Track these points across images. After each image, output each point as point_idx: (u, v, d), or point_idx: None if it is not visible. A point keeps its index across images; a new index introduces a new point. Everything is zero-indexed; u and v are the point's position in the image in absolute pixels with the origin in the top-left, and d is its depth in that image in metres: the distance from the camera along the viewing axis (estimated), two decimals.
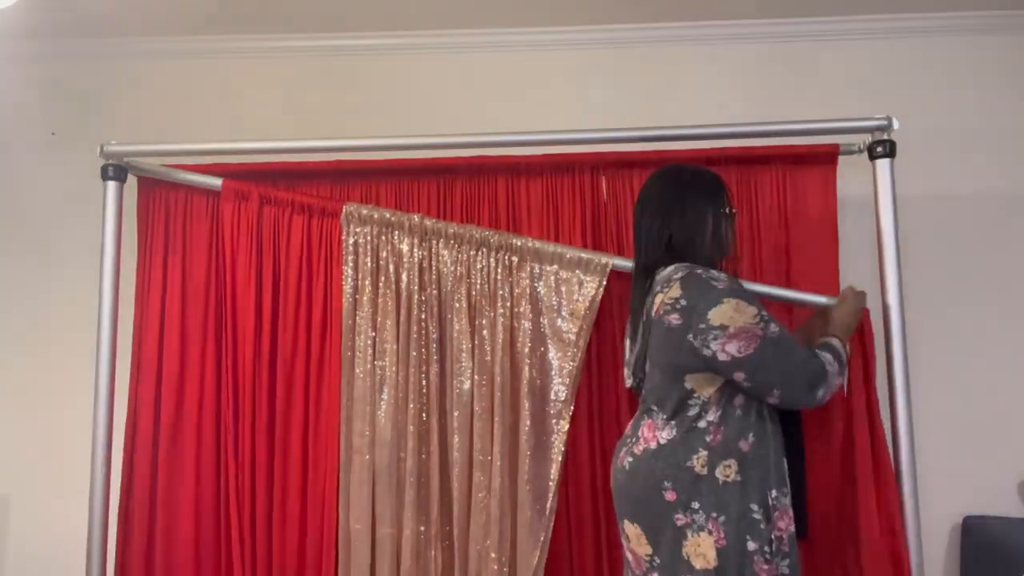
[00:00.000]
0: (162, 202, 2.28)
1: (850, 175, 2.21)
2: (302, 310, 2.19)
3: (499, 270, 2.12)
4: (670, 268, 1.81)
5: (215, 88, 2.78)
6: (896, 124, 2.06)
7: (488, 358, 2.10)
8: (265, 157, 2.24)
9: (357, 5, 2.57)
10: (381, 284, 2.15)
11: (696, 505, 1.69)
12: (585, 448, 2.14)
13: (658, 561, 1.73)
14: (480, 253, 2.13)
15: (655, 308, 1.78)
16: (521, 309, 2.12)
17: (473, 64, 2.74)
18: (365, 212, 2.16)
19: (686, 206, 1.84)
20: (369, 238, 2.16)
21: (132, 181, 2.26)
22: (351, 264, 2.17)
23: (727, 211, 1.87)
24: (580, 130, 2.22)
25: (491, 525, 2.04)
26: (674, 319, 1.74)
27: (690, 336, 1.72)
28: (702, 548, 1.67)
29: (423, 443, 2.12)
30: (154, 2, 2.53)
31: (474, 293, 2.13)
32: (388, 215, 2.16)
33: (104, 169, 2.20)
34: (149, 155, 2.25)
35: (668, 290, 1.76)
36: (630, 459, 1.80)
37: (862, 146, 2.12)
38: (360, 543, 2.08)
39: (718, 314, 1.69)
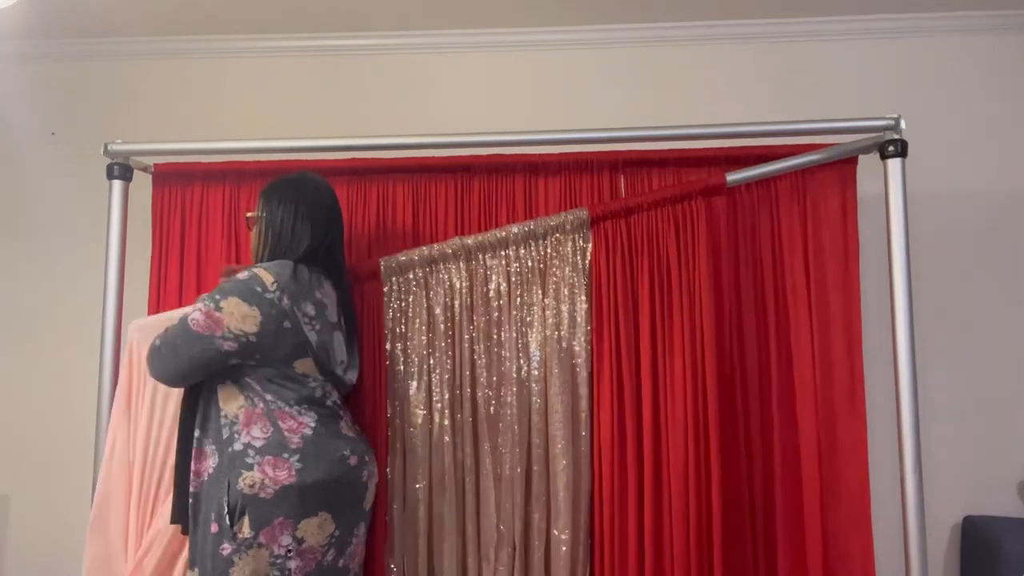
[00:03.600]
0: (178, 200, 2.28)
1: (860, 173, 2.20)
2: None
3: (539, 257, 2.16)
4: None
5: (215, 88, 2.78)
6: (903, 124, 2.06)
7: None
8: (267, 156, 2.23)
9: (357, 5, 2.57)
10: (426, 319, 2.15)
11: None
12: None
13: None
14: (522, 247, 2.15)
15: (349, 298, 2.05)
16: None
17: (473, 64, 2.74)
18: (403, 259, 2.15)
19: None
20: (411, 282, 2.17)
21: (134, 180, 2.27)
22: (394, 307, 2.17)
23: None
24: (587, 129, 2.22)
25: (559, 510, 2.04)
26: None
27: None
28: None
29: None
30: (154, 2, 2.53)
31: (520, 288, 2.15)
32: (426, 251, 2.15)
33: (110, 168, 2.20)
34: (153, 154, 2.25)
35: None
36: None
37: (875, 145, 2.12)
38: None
39: None
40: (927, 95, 2.62)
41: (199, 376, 1.87)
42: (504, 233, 2.14)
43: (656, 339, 2.09)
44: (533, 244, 2.14)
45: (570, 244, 2.14)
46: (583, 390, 2.10)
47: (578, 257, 2.14)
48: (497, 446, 2.11)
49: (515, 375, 2.11)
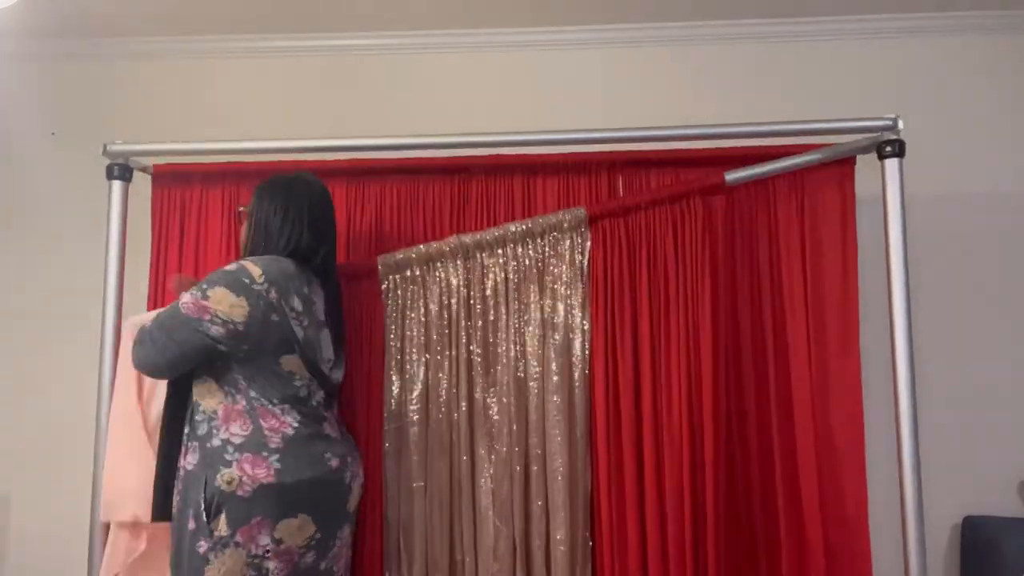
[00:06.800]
0: (177, 200, 2.28)
1: (858, 174, 2.19)
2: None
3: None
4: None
5: (215, 88, 2.78)
6: (901, 124, 2.06)
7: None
8: (267, 156, 2.23)
9: (357, 5, 2.57)
10: (422, 318, 2.15)
11: None
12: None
13: None
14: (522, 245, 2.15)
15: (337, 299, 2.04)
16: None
17: (473, 64, 2.74)
18: (400, 256, 2.16)
19: None
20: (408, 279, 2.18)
21: (135, 180, 2.27)
22: (394, 306, 2.17)
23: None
24: (586, 130, 2.21)
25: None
26: None
27: None
28: None
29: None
30: (154, 2, 2.53)
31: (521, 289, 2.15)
32: (424, 249, 2.15)
33: (109, 168, 2.20)
34: (153, 155, 2.25)
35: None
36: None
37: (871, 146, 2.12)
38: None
39: None
40: (923, 95, 2.62)
41: (187, 364, 1.86)
42: (502, 231, 2.14)
43: (654, 339, 2.09)
44: (531, 242, 2.14)
45: (568, 242, 2.14)
46: (580, 391, 2.10)
47: (576, 255, 2.14)
48: (493, 446, 2.11)
49: (512, 374, 2.11)
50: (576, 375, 2.11)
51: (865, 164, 2.16)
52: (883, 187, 2.06)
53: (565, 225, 2.13)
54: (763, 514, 2.11)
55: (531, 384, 2.10)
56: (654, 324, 2.10)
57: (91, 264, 2.25)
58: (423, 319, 2.15)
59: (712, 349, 2.06)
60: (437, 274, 2.16)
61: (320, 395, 1.93)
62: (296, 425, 1.84)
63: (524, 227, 2.13)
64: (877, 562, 2.09)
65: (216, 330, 1.80)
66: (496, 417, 2.11)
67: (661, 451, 2.06)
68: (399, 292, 2.17)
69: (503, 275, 2.15)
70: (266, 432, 1.81)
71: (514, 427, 2.09)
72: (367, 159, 2.24)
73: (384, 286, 2.17)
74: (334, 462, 1.87)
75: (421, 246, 2.16)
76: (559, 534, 2.04)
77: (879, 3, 2.58)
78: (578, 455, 2.08)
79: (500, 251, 2.15)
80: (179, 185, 2.28)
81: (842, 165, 2.16)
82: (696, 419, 2.05)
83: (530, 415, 2.10)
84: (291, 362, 1.86)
